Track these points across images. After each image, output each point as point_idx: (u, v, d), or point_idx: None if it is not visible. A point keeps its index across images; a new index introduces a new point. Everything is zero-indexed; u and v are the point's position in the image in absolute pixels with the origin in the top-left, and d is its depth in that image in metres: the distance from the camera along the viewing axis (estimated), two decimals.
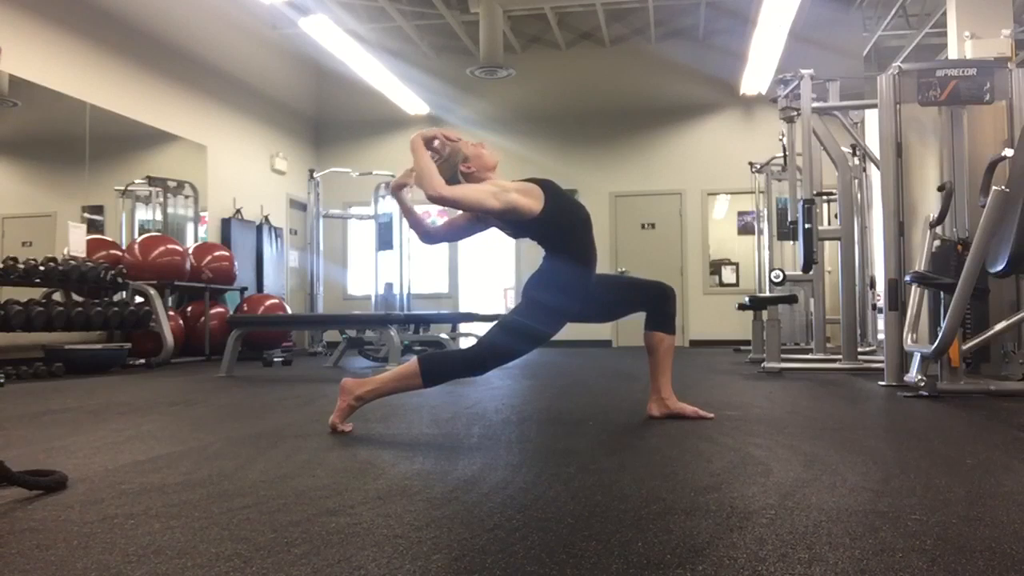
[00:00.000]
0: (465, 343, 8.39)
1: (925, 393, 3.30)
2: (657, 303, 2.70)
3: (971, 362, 3.84)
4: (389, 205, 8.35)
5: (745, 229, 9.92)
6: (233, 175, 9.04)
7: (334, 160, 10.39)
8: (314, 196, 8.49)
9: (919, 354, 3.49)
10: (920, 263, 3.80)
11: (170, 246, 7.10)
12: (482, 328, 7.74)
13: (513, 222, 2.51)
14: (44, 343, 5.64)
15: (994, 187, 3.15)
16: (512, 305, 10.45)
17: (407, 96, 10.15)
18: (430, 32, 10.09)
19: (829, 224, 6.73)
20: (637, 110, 10.30)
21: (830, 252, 6.46)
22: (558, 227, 2.53)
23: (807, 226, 4.74)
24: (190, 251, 7.42)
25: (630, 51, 10.35)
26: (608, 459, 1.97)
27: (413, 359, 2.43)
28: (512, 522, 1.35)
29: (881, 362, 4.21)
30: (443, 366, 2.47)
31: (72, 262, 5.82)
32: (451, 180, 2.41)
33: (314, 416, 2.90)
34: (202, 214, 8.45)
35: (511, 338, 2.51)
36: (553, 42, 10.27)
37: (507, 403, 3.28)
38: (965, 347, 3.42)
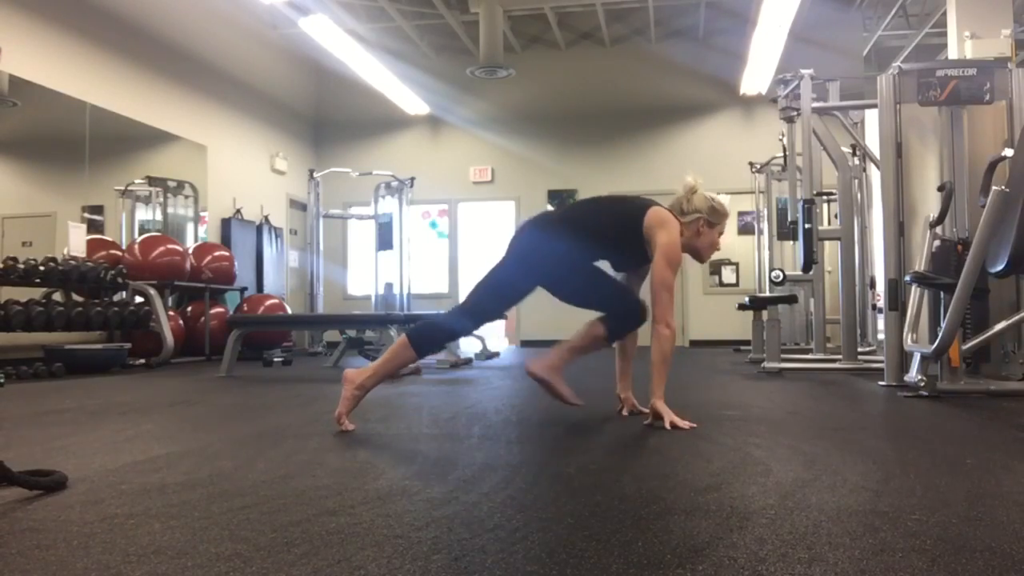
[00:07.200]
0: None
1: (925, 393, 3.30)
2: (617, 316, 2.69)
3: (971, 362, 3.84)
4: (389, 205, 8.36)
5: (745, 229, 9.91)
6: (233, 175, 9.04)
7: (334, 160, 10.39)
8: (314, 196, 8.49)
9: (919, 354, 3.49)
10: (920, 263, 3.80)
11: (170, 246, 7.10)
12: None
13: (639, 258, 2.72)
14: (44, 343, 5.63)
15: (994, 187, 3.15)
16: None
17: (407, 96, 10.15)
18: (430, 32, 10.09)
19: (829, 224, 6.72)
20: (637, 110, 10.30)
21: (830, 252, 6.46)
22: (632, 246, 2.65)
23: (807, 226, 4.74)
24: (190, 251, 7.42)
25: (630, 51, 10.35)
26: (608, 459, 1.97)
27: (402, 336, 2.52)
28: (512, 522, 1.34)
29: (881, 362, 4.21)
30: (429, 333, 2.58)
31: (72, 262, 5.83)
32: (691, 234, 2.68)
33: (314, 416, 2.90)
34: (202, 214, 8.45)
35: (488, 292, 2.66)
36: (553, 42, 10.27)
37: (507, 403, 3.28)
38: (965, 347, 3.42)
